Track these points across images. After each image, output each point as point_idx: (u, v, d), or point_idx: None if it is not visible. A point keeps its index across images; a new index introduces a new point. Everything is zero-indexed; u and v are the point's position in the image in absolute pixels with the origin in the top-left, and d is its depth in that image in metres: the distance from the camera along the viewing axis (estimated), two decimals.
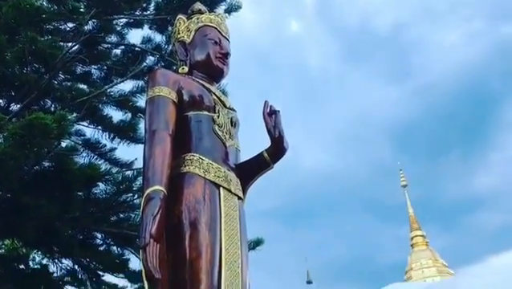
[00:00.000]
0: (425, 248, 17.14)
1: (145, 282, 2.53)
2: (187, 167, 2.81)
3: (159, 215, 2.54)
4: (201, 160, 2.85)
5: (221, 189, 2.85)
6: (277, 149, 3.13)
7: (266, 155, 3.13)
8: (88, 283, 6.27)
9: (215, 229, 2.80)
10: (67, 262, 6.42)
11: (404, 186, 18.48)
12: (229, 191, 2.91)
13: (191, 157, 2.84)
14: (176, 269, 2.66)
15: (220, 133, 3.00)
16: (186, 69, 3.20)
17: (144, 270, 2.55)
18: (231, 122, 3.13)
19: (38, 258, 6.52)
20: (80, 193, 5.50)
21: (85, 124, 6.52)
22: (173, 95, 2.92)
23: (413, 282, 15.23)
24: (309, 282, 21.97)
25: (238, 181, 3.06)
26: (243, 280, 2.83)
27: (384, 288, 8.73)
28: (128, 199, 5.72)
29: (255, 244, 6.12)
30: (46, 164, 5.21)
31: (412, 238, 17.41)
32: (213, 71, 3.23)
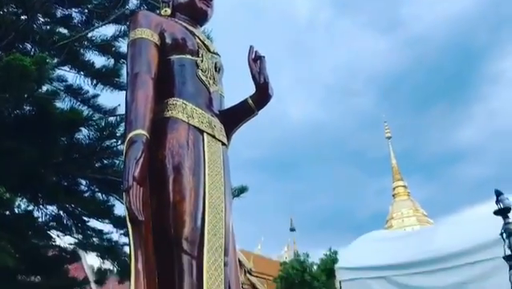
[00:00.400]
0: (406, 198, 17.55)
1: (129, 225, 2.55)
2: (170, 112, 2.78)
3: (142, 159, 2.53)
4: (184, 106, 2.82)
5: (204, 134, 2.84)
6: (261, 96, 3.10)
7: (250, 101, 3.11)
8: (73, 229, 6.33)
9: (199, 173, 2.81)
10: (51, 208, 6.46)
11: (389, 138, 18.68)
12: (213, 137, 2.91)
13: (174, 102, 2.81)
14: (160, 212, 2.68)
15: (204, 78, 2.96)
16: (169, 11, 3.11)
17: (127, 213, 2.56)
18: (215, 67, 3.07)
19: (23, 206, 6.54)
20: (63, 139, 5.45)
21: (66, 68, 6.37)
22: (156, 38, 2.84)
23: (393, 230, 15.74)
24: (292, 230, 22.56)
25: (222, 127, 3.04)
26: (226, 224, 2.87)
27: (364, 235, 9.00)
28: (112, 145, 5.69)
29: (239, 191, 6.20)
30: (27, 108, 5.12)
31: (394, 189, 17.77)
32: (196, 14, 3.14)
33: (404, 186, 17.96)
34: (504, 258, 2.93)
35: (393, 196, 17.83)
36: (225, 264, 2.77)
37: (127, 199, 2.54)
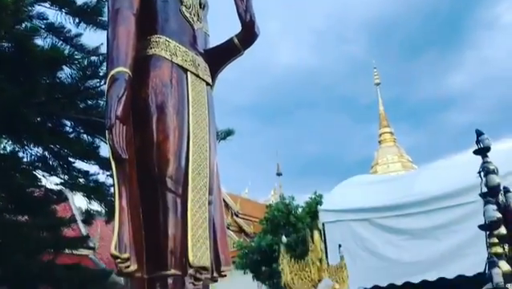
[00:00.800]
0: (392, 144, 17.69)
1: (112, 163, 2.54)
2: (153, 49, 2.71)
3: (124, 96, 2.49)
4: (167, 43, 2.74)
5: (188, 73, 2.79)
6: (248, 34, 3.02)
7: (236, 40, 3.03)
8: (59, 170, 6.32)
9: (183, 113, 2.78)
10: (37, 150, 6.42)
11: (377, 84, 18.59)
12: (197, 76, 2.85)
13: (157, 39, 2.73)
14: (144, 151, 2.67)
15: (187, 15, 2.87)
16: None
17: (110, 151, 2.55)
18: (199, 3, 2.98)
19: (8, 148, 6.49)
20: (45, 78, 5.33)
21: (47, 5, 6.12)
22: None
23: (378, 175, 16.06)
24: (279, 174, 22.85)
25: (207, 66, 2.99)
26: (211, 164, 2.87)
27: (349, 179, 9.14)
28: (95, 85, 5.59)
29: (226, 134, 6.20)
30: (6, 45, 4.95)
31: (380, 135, 17.88)
32: None
33: (391, 133, 18.04)
34: (480, 195, 3.01)
35: (379, 142, 17.96)
36: (210, 203, 2.80)
37: (110, 137, 2.52)
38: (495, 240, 2.93)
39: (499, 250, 2.90)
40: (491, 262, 2.73)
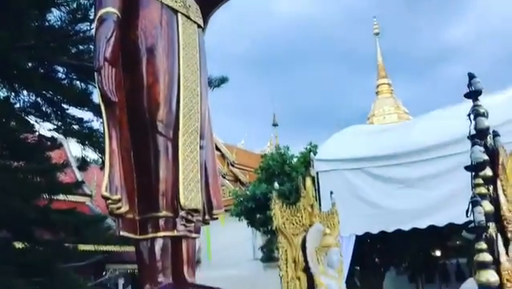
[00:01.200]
0: (389, 96, 17.55)
1: (102, 106, 2.51)
2: None
3: (113, 38, 2.43)
4: None
5: (179, 14, 2.72)
6: None
7: None
8: (53, 116, 6.28)
9: (173, 55, 2.72)
10: (30, 97, 6.35)
11: (376, 34, 18.22)
12: (188, 18, 2.78)
13: None
14: (134, 94, 2.63)
15: None
16: None
17: (99, 94, 2.52)
18: None
19: (1, 94, 6.41)
20: (34, 20, 5.18)
21: None
22: None
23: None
24: (275, 125, 22.86)
25: (198, 8, 2.90)
26: (202, 108, 2.85)
27: (344, 129, 9.13)
28: (86, 29, 5.45)
29: (220, 81, 6.12)
30: None
31: (377, 86, 17.69)
32: None
33: (388, 84, 17.87)
34: (468, 137, 3.03)
35: (376, 93, 17.81)
36: (201, 147, 2.80)
37: (98, 79, 2.48)
38: (480, 181, 2.97)
39: (483, 190, 2.95)
40: (474, 202, 2.79)
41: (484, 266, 2.75)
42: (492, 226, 2.90)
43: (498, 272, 2.80)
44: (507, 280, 2.80)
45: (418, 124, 8.44)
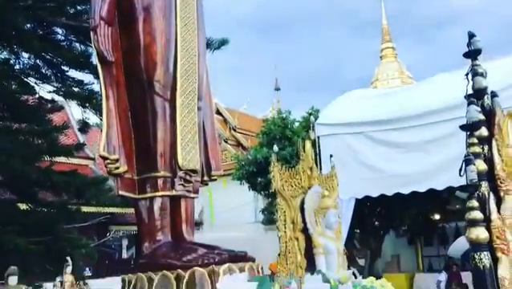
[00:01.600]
0: (393, 60, 17.29)
1: (98, 65, 2.51)
2: None
3: None
4: None
5: None
6: None
7: None
8: (53, 78, 6.25)
9: (170, 15, 2.69)
10: (30, 59, 6.31)
11: None
12: None
13: None
14: (131, 54, 2.61)
15: None
16: None
17: (96, 53, 2.50)
18: None
19: (1, 56, 6.35)
20: None
21: None
22: None
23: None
24: (277, 89, 22.70)
25: None
26: (200, 69, 2.83)
27: (345, 94, 9.04)
28: None
29: (220, 43, 6.05)
30: None
31: (381, 50, 17.40)
32: None
33: (393, 48, 17.56)
34: (465, 96, 2.99)
35: (380, 57, 17.54)
36: (199, 108, 2.79)
37: (94, 38, 2.46)
38: (475, 140, 2.95)
39: (477, 149, 2.93)
40: (467, 160, 2.78)
41: (475, 223, 2.77)
42: (485, 185, 2.89)
43: (489, 230, 2.81)
44: (497, 237, 2.82)
45: (420, 88, 8.35)
